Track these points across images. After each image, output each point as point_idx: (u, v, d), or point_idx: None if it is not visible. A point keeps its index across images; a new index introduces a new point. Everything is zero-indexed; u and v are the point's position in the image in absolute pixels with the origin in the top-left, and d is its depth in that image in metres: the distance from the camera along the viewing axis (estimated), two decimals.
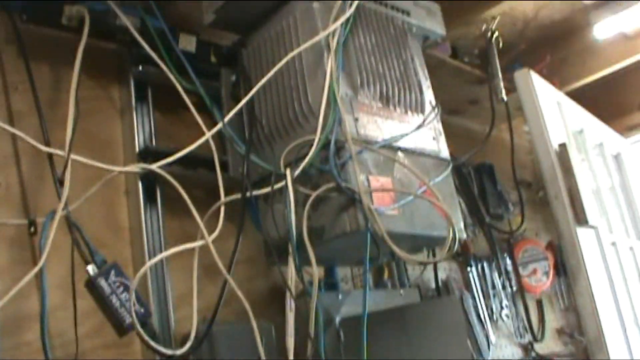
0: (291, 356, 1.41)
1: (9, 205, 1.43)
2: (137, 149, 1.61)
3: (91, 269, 1.34)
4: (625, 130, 3.40)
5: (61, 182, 1.36)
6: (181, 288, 1.59)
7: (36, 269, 1.27)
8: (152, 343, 1.33)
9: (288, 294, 1.43)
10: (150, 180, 1.61)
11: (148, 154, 1.58)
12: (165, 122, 1.73)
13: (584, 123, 2.84)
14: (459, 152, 2.09)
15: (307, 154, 1.48)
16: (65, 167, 1.35)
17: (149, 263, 1.46)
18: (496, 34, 2.48)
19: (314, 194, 1.48)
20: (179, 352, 1.41)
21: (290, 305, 1.43)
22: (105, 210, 1.59)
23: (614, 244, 2.71)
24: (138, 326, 1.30)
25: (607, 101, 3.30)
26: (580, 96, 2.88)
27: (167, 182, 1.49)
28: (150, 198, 1.61)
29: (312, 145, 1.48)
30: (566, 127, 2.58)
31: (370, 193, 1.48)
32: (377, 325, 1.52)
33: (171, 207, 1.62)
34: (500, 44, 2.52)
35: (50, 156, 1.40)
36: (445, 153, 1.77)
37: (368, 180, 1.50)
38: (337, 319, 1.79)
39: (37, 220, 1.40)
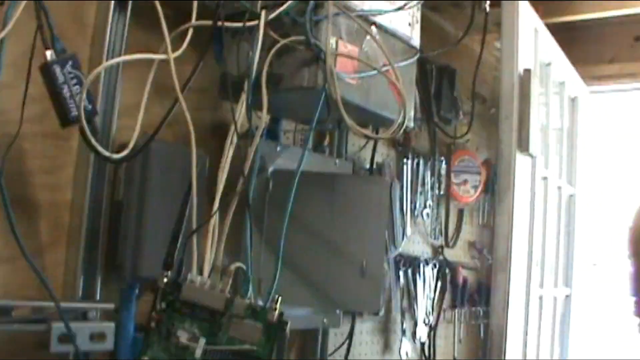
0: (220, 188, 1.46)
1: None
2: None
3: (49, 54, 1.32)
4: (589, 79, 3.44)
5: None
6: (130, 99, 1.59)
7: None
8: (92, 140, 1.35)
9: (232, 128, 1.46)
10: None
11: None
12: None
13: (554, 58, 2.88)
14: (428, 49, 2.11)
15: (286, 2, 1.49)
16: None
17: (107, 63, 1.47)
18: None
19: (282, 41, 1.51)
20: (115, 156, 1.44)
21: (232, 139, 1.47)
22: (74, 3, 1.57)
23: (545, 178, 2.82)
24: (83, 119, 1.32)
25: (582, 45, 3.33)
26: (558, 32, 2.91)
27: None
28: (121, 2, 1.59)
29: None
30: (536, 55, 2.62)
31: (336, 56, 1.52)
32: (305, 186, 1.57)
33: (139, 18, 1.61)
34: None
35: None
36: (416, 41, 1.80)
37: (337, 43, 1.54)
38: (270, 169, 1.85)
39: None
